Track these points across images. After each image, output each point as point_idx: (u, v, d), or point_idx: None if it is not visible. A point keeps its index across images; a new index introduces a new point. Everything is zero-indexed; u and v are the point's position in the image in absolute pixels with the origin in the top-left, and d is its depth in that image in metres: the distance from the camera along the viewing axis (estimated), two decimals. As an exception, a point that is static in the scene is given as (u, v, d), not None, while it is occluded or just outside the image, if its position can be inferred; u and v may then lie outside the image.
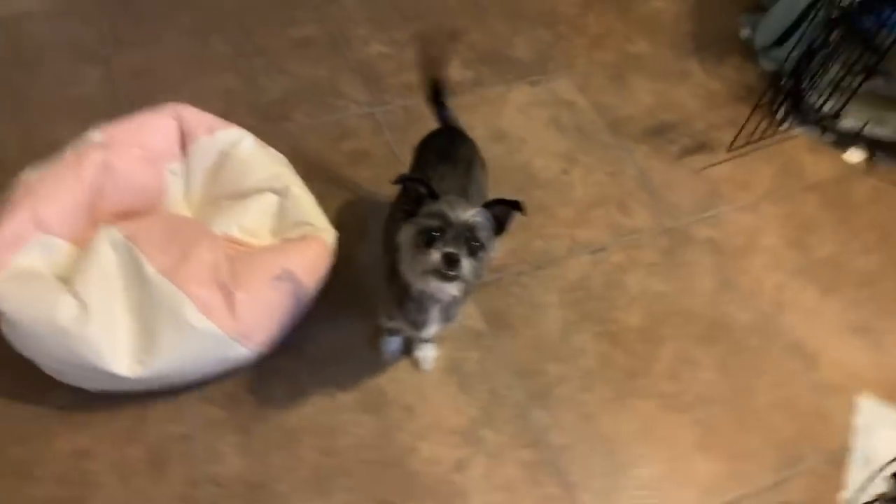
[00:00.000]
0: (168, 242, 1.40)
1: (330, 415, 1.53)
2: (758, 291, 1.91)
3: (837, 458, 1.62)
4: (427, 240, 1.16)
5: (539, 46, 2.49)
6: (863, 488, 1.55)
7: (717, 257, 1.97)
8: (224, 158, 1.65)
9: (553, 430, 1.58)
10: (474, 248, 1.17)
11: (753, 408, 1.68)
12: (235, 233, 1.57)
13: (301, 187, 1.67)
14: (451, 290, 1.22)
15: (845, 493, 1.55)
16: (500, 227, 1.23)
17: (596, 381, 1.67)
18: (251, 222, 1.59)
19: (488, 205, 1.22)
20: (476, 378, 1.64)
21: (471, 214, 1.17)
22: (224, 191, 1.65)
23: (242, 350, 1.41)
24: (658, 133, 2.29)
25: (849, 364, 1.79)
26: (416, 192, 1.23)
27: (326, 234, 1.61)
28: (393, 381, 1.60)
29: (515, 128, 2.21)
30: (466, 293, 1.33)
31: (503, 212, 1.22)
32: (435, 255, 1.15)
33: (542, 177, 2.08)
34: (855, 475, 1.57)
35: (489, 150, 1.66)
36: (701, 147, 2.26)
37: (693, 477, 1.55)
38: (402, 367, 1.63)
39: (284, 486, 1.41)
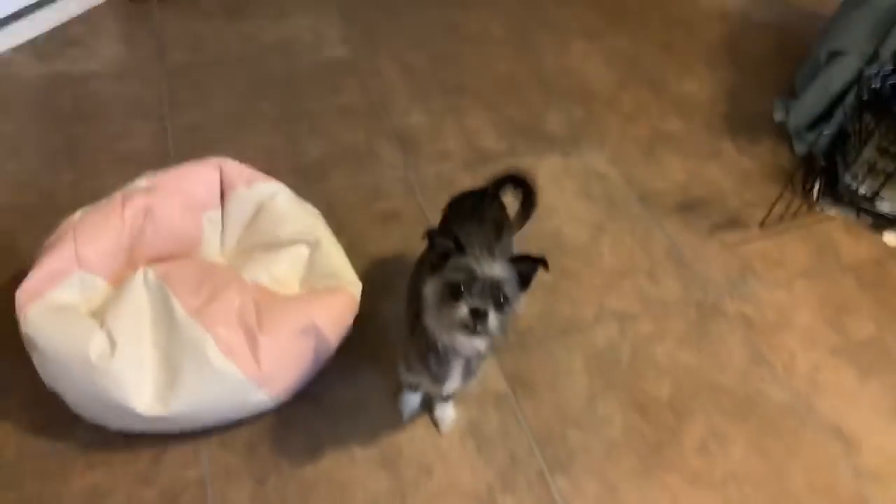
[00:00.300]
0: (199, 284, 1.44)
1: (345, 469, 1.50)
2: (792, 369, 1.85)
3: (881, 552, 1.51)
4: (454, 293, 1.16)
5: (572, 121, 2.57)
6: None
7: (749, 332, 1.92)
8: (260, 210, 1.72)
9: (576, 501, 1.51)
10: (501, 302, 1.17)
11: (789, 490, 1.59)
12: (265, 281, 1.60)
13: (332, 241, 1.71)
14: (478, 344, 1.22)
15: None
16: (524, 282, 1.23)
17: (621, 451, 1.61)
18: (281, 272, 1.63)
19: (513, 260, 1.23)
20: (496, 441, 1.60)
21: (497, 269, 1.17)
22: (258, 241, 1.70)
23: (262, 396, 1.41)
24: (689, 208, 2.29)
25: (892, 450, 1.70)
26: (443, 246, 1.23)
27: (353, 288, 1.63)
28: (410, 439, 1.57)
29: (546, 196, 2.23)
30: (490, 348, 1.33)
31: (528, 268, 1.23)
32: (462, 310, 1.15)
33: (570, 244, 2.10)
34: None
35: (518, 216, 1.70)
36: (733, 223, 2.26)
37: (723, 561, 1.46)
38: (420, 425, 1.60)
39: (296, 541, 1.37)
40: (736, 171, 2.46)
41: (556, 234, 2.12)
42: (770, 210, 2.20)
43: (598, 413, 1.68)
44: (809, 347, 1.91)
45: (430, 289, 1.23)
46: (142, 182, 1.62)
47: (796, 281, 2.09)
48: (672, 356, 1.83)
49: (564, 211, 2.20)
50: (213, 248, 1.72)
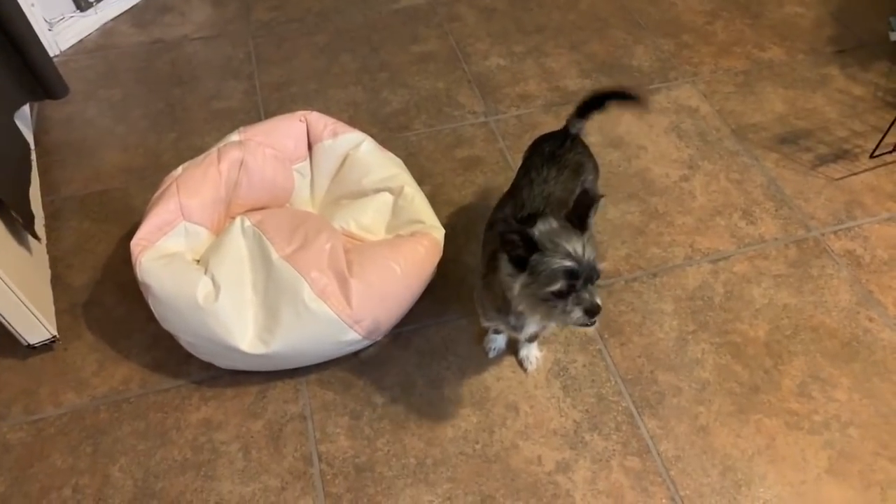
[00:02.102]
0: (292, 232, 1.51)
1: (435, 406, 1.56)
2: (906, 309, 1.72)
3: None
4: (557, 294, 1.15)
5: (660, 55, 2.44)
6: None
7: (856, 271, 1.80)
8: (345, 160, 1.76)
9: (664, 441, 1.50)
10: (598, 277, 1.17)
11: (899, 434, 1.51)
12: (353, 228, 1.66)
13: (414, 187, 1.74)
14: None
15: None
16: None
17: (714, 394, 1.58)
18: (367, 219, 1.68)
19: (573, 210, 1.19)
20: (583, 382, 1.60)
21: (589, 250, 1.15)
22: (344, 190, 1.75)
23: (354, 335, 1.48)
24: (791, 141, 2.15)
25: None
26: (515, 248, 1.17)
27: (436, 232, 1.66)
28: (498, 379, 1.61)
29: (633, 135, 2.16)
30: None
31: (582, 209, 1.20)
32: (577, 313, 1.15)
33: (660, 184, 2.02)
34: None
35: (605, 157, 1.64)
36: (840, 155, 2.10)
37: (823, 503, 1.41)
38: (507, 366, 1.63)
39: (390, 471, 1.45)
40: (844, 99, 2.27)
41: (644, 173, 2.05)
42: (882, 138, 2.02)
43: (689, 355, 1.65)
44: (926, 286, 1.77)
45: (523, 300, 1.20)
46: (234, 136, 1.70)
47: (913, 215, 1.93)
48: (770, 296, 1.75)
49: (653, 149, 2.12)
50: (304, 199, 1.79)
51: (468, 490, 1.42)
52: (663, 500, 1.42)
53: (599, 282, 1.75)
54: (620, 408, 1.56)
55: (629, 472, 1.46)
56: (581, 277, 1.13)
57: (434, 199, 1.82)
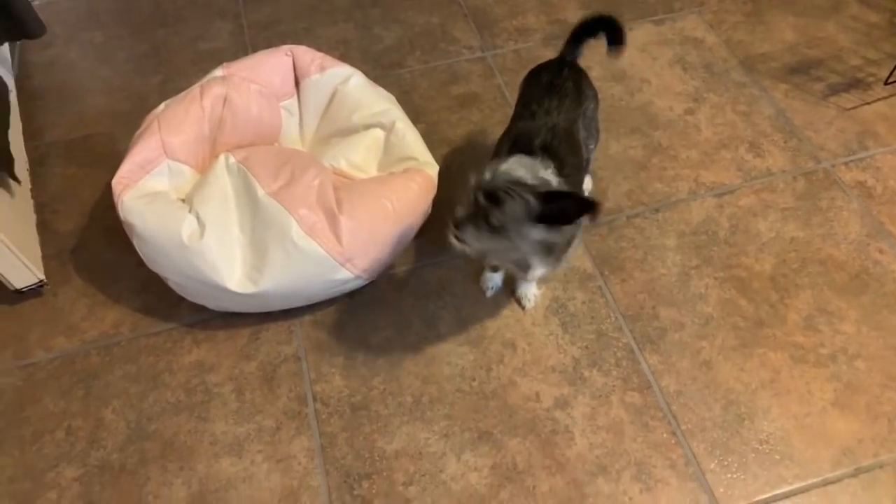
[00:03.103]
0: (278, 168, 1.45)
1: (431, 345, 1.52)
2: (918, 240, 1.66)
3: None
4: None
5: (665, -16, 2.33)
6: None
7: (866, 202, 1.74)
8: (334, 95, 1.69)
9: (666, 376, 1.47)
10: (490, 224, 1.15)
11: (908, 366, 1.47)
12: (343, 166, 1.60)
13: (407, 123, 1.67)
14: (457, 247, 1.21)
15: None
16: (564, 219, 1.16)
17: (717, 328, 1.54)
18: (358, 156, 1.62)
19: (549, 196, 1.12)
20: (582, 319, 1.56)
21: (498, 188, 1.11)
22: (334, 127, 1.69)
23: (346, 273, 1.43)
24: (801, 70, 2.06)
25: None
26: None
27: (430, 169, 1.60)
28: (495, 317, 1.57)
29: (636, 68, 2.07)
30: (556, 259, 1.31)
31: (564, 208, 1.13)
32: (455, 210, 1.17)
33: (663, 117, 1.94)
34: None
35: (606, 90, 1.57)
36: (853, 84, 2.01)
37: (828, 435, 1.38)
38: (504, 304, 1.59)
39: (386, 409, 1.43)
40: (858, 26, 2.16)
41: (647, 107, 1.97)
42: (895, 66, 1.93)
43: (691, 290, 1.60)
44: (940, 216, 1.70)
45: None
46: (218, 72, 1.63)
47: (928, 144, 1.85)
48: (776, 229, 1.69)
49: (656, 82, 2.03)
50: (293, 137, 1.73)
51: (465, 427, 1.40)
52: (664, 435, 1.39)
53: (602, 217, 1.71)
54: (621, 344, 1.52)
55: (629, 407, 1.43)
56: (472, 196, 1.14)
57: (429, 138, 1.75)
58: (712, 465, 1.35)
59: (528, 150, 1.26)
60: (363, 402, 1.44)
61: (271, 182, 1.43)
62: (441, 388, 1.46)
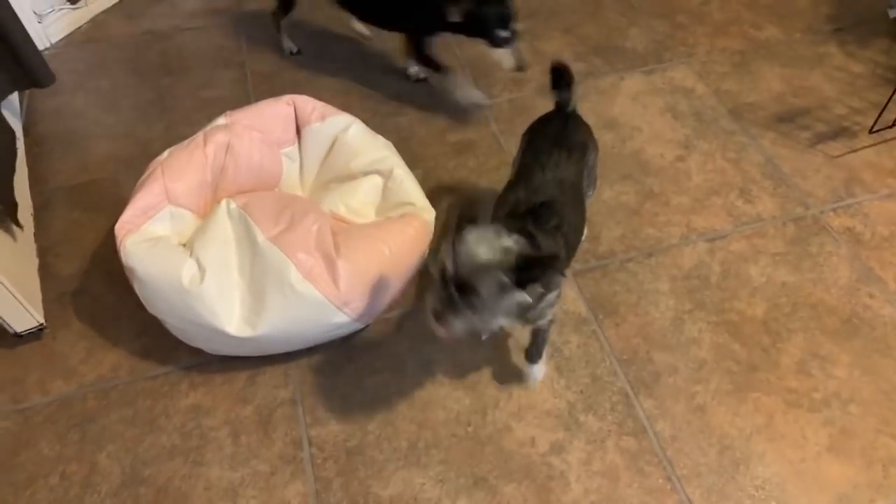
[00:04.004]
0: (278, 214, 1.49)
1: (426, 389, 1.53)
2: (907, 285, 1.69)
3: None
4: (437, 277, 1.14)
5: (655, 37, 2.41)
6: None
7: (855, 248, 1.77)
8: (334, 143, 1.74)
9: (660, 421, 1.48)
10: (471, 305, 1.11)
11: (899, 409, 1.48)
12: (342, 211, 1.63)
13: (404, 169, 1.71)
14: (444, 334, 1.20)
15: None
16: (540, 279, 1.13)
17: (711, 373, 1.55)
18: (357, 202, 1.66)
19: (519, 266, 1.10)
20: (577, 363, 1.57)
21: (476, 269, 1.09)
22: (333, 174, 1.73)
23: (343, 317, 1.45)
24: (788, 119, 2.12)
25: None
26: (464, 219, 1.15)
27: (426, 214, 1.64)
28: (490, 361, 1.58)
29: (628, 116, 2.13)
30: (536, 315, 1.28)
31: (538, 273, 1.12)
32: (429, 301, 1.16)
33: (655, 164, 1.99)
34: None
35: (599, 138, 1.61)
36: (838, 133, 2.07)
37: (824, 481, 1.38)
38: (499, 347, 1.60)
39: (381, 455, 1.43)
40: (842, 76, 2.23)
41: (639, 154, 2.02)
42: (881, 113, 1.98)
43: (685, 334, 1.62)
44: (928, 261, 1.73)
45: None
46: (221, 120, 1.68)
47: (913, 191, 1.89)
48: (767, 274, 1.72)
49: (648, 130, 2.09)
50: (293, 183, 1.77)
51: (460, 472, 1.40)
52: (659, 480, 1.39)
53: (595, 262, 1.74)
54: (615, 388, 1.53)
55: (625, 452, 1.43)
56: (447, 284, 1.10)
57: (426, 183, 1.80)
58: (707, 511, 1.35)
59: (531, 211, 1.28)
60: (358, 446, 1.44)
61: (271, 227, 1.46)
62: (436, 433, 1.46)
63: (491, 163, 2.00)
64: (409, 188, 1.67)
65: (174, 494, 1.37)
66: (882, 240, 1.79)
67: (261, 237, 1.43)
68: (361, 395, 1.52)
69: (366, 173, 1.69)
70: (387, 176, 1.69)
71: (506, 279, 1.10)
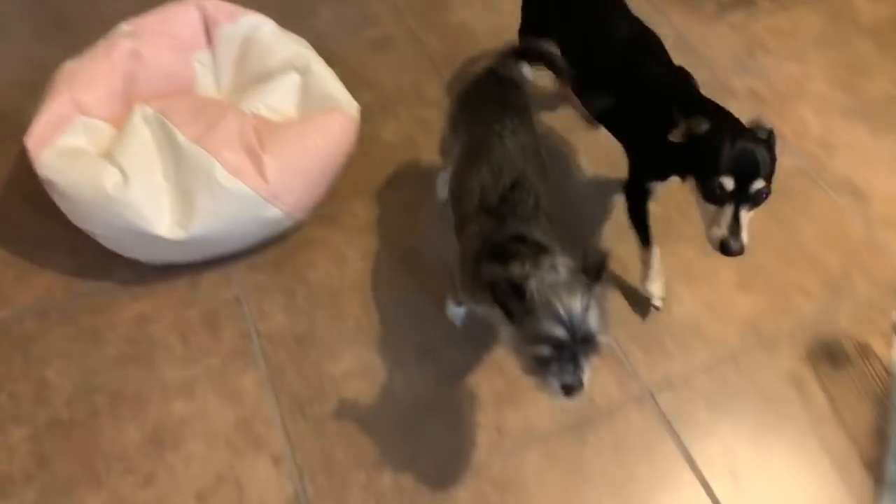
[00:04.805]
0: (196, 115, 1.47)
1: (370, 275, 1.59)
2: (804, 135, 1.83)
3: (892, 288, 1.55)
4: (540, 360, 1.02)
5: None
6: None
7: (758, 106, 1.88)
8: (247, 44, 1.70)
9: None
10: (594, 349, 1.03)
11: (800, 245, 1.63)
12: (263, 111, 1.62)
13: (321, 64, 1.70)
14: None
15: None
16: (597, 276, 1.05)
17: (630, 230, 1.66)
18: (276, 101, 1.64)
19: (584, 268, 1.04)
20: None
21: (590, 314, 1.00)
22: (249, 75, 1.70)
23: (275, 211, 1.47)
24: (693, -8, 2.18)
25: (906, 198, 1.70)
26: (504, 293, 1.02)
27: (349, 107, 1.64)
28: (426, 241, 1.64)
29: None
30: None
31: (597, 266, 1.04)
32: (554, 385, 1.02)
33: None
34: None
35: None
36: (741, 1, 2.15)
37: (734, 312, 1.53)
38: (437, 235, 1.66)
39: (329, 337, 1.49)
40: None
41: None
42: (777, -23, 2.07)
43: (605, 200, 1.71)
44: (822, 113, 1.87)
45: (511, 347, 1.08)
46: (124, 27, 1.61)
47: (809, 51, 2.01)
48: (679, 138, 1.82)
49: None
50: (209, 89, 1.73)
51: (406, 344, 1.48)
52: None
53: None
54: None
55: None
56: (568, 347, 0.99)
57: (346, 81, 1.79)
58: (634, 350, 1.47)
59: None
60: (307, 332, 1.49)
61: (190, 129, 1.44)
62: (381, 312, 1.52)
63: (410, 57, 2.00)
64: (329, 83, 1.67)
65: (130, 398, 1.40)
66: (781, 97, 1.91)
67: (182, 138, 1.42)
68: (305, 288, 1.57)
69: (283, 71, 1.67)
70: (304, 72, 1.67)
71: (600, 304, 1.03)
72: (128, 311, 1.53)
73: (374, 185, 1.74)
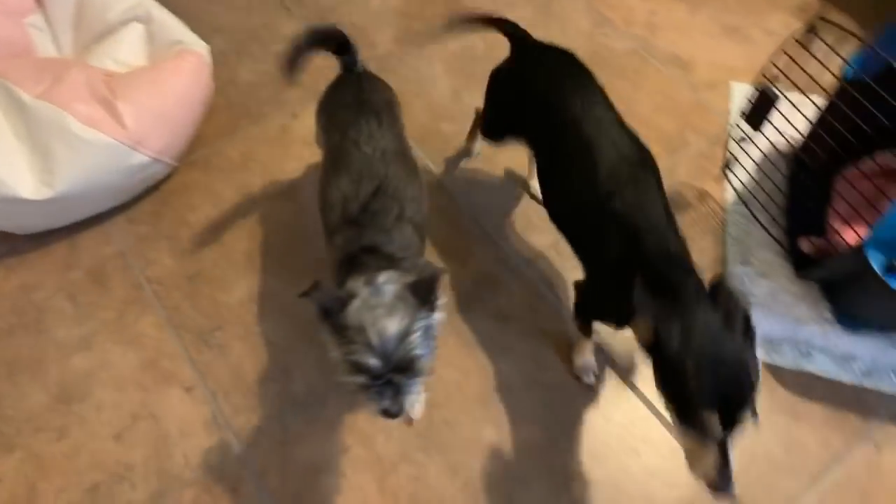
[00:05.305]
0: (39, 73, 1.44)
1: (250, 208, 1.63)
2: (631, 20, 2.00)
3: (719, 139, 1.76)
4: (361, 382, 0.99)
5: None
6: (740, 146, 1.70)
7: (590, 1, 2.04)
8: (82, 1, 1.66)
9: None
10: (416, 371, 1.00)
11: (640, 116, 1.80)
12: (110, 66, 1.60)
13: (163, 10, 1.69)
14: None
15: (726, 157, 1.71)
16: (427, 300, 1.01)
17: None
18: (124, 55, 1.63)
19: (412, 288, 1.00)
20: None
21: (406, 343, 0.96)
22: (91, 33, 1.67)
23: (141, 157, 1.48)
24: None
25: (723, 61, 1.92)
26: (327, 307, 1.00)
27: (199, 48, 1.65)
28: (301, 170, 1.70)
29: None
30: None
31: (427, 286, 1.01)
32: (373, 407, 1.01)
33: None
34: (733, 146, 1.72)
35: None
36: None
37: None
38: (307, 157, 1.72)
39: (221, 272, 1.53)
40: None
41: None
42: None
43: (465, 102, 1.82)
44: (643, -1, 2.05)
45: (331, 346, 1.03)
46: (-61, -5, 1.54)
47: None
48: (523, 39, 1.95)
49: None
50: (50, 54, 1.68)
51: (294, 266, 1.54)
52: (466, 219, 1.63)
53: (377, 62, 1.84)
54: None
55: (435, 208, 1.65)
56: (383, 375, 0.97)
57: (195, 31, 1.78)
58: (504, 228, 1.61)
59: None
60: (197, 271, 1.53)
61: (34, 87, 1.41)
62: (267, 242, 1.58)
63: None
64: (174, 28, 1.66)
65: (27, 362, 1.40)
66: (608, -10, 2.07)
67: (26, 97, 1.39)
68: (188, 230, 1.59)
69: (124, 22, 1.65)
70: (146, 21, 1.66)
71: (425, 324, 1.00)
72: (6, 284, 1.51)
73: (240, 124, 1.77)
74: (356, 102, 1.29)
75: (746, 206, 1.64)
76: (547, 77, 1.31)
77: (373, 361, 0.96)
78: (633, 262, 1.08)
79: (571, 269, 1.47)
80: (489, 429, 1.35)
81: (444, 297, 1.05)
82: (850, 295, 1.39)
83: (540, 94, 1.30)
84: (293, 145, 1.74)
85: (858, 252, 1.23)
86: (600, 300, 1.23)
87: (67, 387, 1.37)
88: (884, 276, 1.19)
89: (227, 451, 1.30)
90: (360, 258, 1.09)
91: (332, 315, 0.98)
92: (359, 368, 0.97)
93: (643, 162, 1.19)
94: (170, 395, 1.37)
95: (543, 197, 1.34)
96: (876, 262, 1.21)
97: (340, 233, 1.16)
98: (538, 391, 1.40)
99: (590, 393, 1.40)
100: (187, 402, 1.36)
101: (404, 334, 0.96)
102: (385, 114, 1.29)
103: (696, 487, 0.99)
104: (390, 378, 0.97)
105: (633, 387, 1.41)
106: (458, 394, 1.39)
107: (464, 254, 1.57)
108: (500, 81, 1.44)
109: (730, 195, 1.68)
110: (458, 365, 1.42)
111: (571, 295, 1.32)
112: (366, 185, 1.17)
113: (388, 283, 1.00)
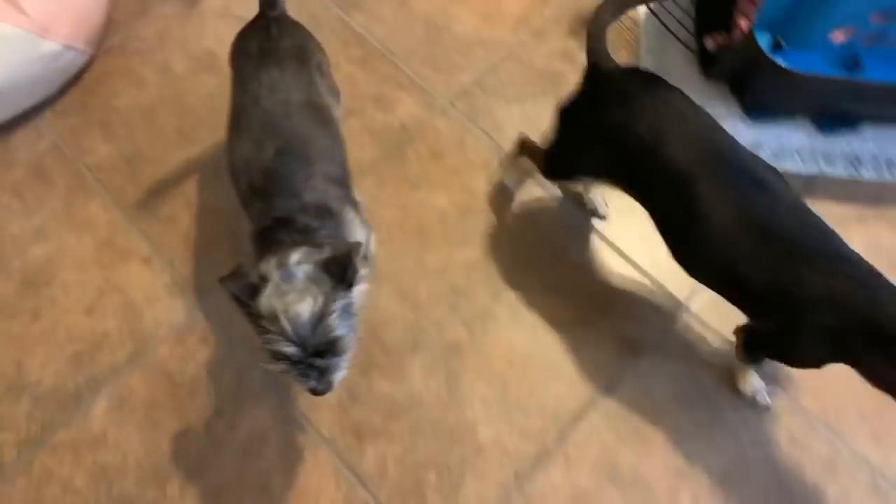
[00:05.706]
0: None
1: (173, 88, 1.65)
2: None
3: None
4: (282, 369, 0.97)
5: None
6: None
7: None
8: None
9: (374, 26, 1.71)
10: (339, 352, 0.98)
11: None
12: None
13: None
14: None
15: None
16: (344, 278, 0.97)
17: None
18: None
19: (324, 265, 0.96)
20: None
21: (323, 323, 0.93)
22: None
23: (52, 45, 1.48)
24: None
25: None
26: (242, 293, 0.95)
27: (89, -77, 1.60)
28: (219, 40, 1.70)
29: None
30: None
31: (340, 264, 0.96)
32: (302, 387, 1.00)
33: None
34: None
35: None
36: None
37: (506, 15, 1.72)
38: (222, 29, 1.71)
39: (157, 150, 1.58)
40: None
41: None
42: None
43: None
44: None
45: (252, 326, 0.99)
46: None
47: None
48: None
49: None
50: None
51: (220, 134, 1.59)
52: (388, 68, 1.66)
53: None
54: (332, 15, 1.73)
55: (355, 60, 1.67)
56: (304, 359, 0.95)
57: None
58: (427, 72, 1.65)
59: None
60: (134, 153, 1.57)
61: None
62: (196, 115, 1.62)
63: None
64: None
65: (-15, 260, 1.47)
66: None
67: (-84, -5, 1.37)
68: (117, 116, 1.62)
69: None
70: None
71: (343, 303, 0.97)
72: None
73: (149, 3, 1.75)
74: (259, 52, 1.18)
75: (656, 15, 1.68)
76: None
77: (290, 350, 0.94)
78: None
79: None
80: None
81: (363, 269, 1.02)
82: (750, 84, 1.47)
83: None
84: (207, 17, 1.73)
85: (749, 36, 1.29)
86: (791, 349, 1.11)
87: (31, 274, 1.45)
88: (770, 54, 1.26)
89: (192, 309, 1.41)
90: (274, 233, 1.05)
91: (245, 304, 0.95)
92: (277, 356, 0.95)
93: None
94: (129, 269, 1.46)
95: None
96: (763, 42, 1.27)
97: (252, 205, 1.11)
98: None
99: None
100: (146, 272, 1.45)
101: (319, 318, 0.93)
102: (291, 61, 1.17)
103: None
104: (311, 362, 0.96)
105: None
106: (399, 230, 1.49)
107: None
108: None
109: (642, 8, 1.71)
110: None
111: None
112: (267, 147, 1.09)
113: (301, 263, 0.97)
